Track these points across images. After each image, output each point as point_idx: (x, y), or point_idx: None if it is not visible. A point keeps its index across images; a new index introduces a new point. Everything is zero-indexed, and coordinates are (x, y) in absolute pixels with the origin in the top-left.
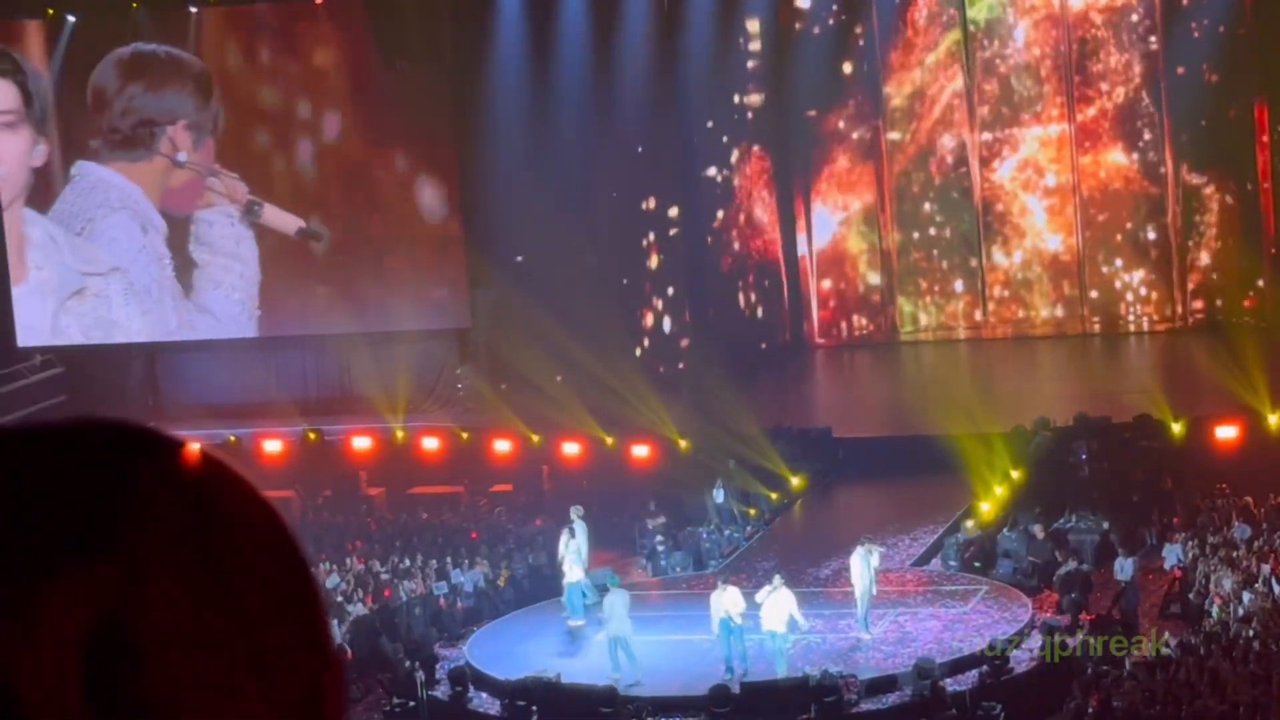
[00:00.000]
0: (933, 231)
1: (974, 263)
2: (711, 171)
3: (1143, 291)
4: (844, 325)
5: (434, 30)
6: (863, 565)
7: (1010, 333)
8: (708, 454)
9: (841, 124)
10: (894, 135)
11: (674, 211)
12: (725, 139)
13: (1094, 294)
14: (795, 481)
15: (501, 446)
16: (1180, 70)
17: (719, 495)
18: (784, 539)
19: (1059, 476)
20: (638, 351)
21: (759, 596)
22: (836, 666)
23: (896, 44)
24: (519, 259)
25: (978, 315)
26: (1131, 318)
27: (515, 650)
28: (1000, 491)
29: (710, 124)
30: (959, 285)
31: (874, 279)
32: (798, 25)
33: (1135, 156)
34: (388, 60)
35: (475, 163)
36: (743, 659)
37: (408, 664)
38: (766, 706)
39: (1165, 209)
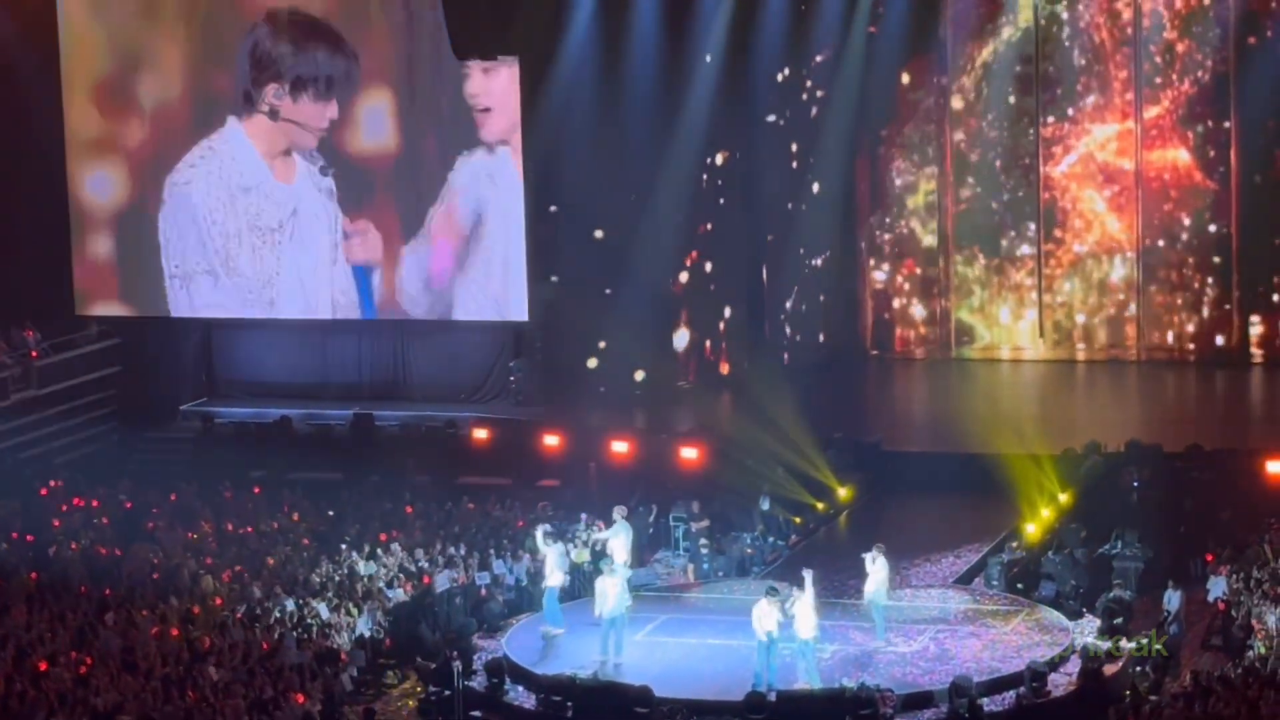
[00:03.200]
0: (995, 237)
1: (1032, 279)
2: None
3: (1200, 319)
4: (899, 338)
5: (506, 23)
6: (872, 569)
7: (1065, 354)
8: (757, 460)
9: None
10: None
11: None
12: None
13: (1150, 319)
14: (843, 492)
15: (550, 441)
16: (1251, 40)
17: (765, 502)
18: (827, 549)
19: (1107, 502)
20: (684, 353)
21: (790, 607)
22: (874, 680)
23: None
24: (594, 238)
25: (1034, 335)
26: (1187, 345)
27: (554, 645)
28: (1047, 513)
29: (775, 119)
30: (1017, 302)
31: (928, 298)
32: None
33: (1199, 153)
34: (460, 54)
35: (543, 155)
36: (771, 674)
37: (445, 653)
38: (802, 716)
39: (1228, 221)
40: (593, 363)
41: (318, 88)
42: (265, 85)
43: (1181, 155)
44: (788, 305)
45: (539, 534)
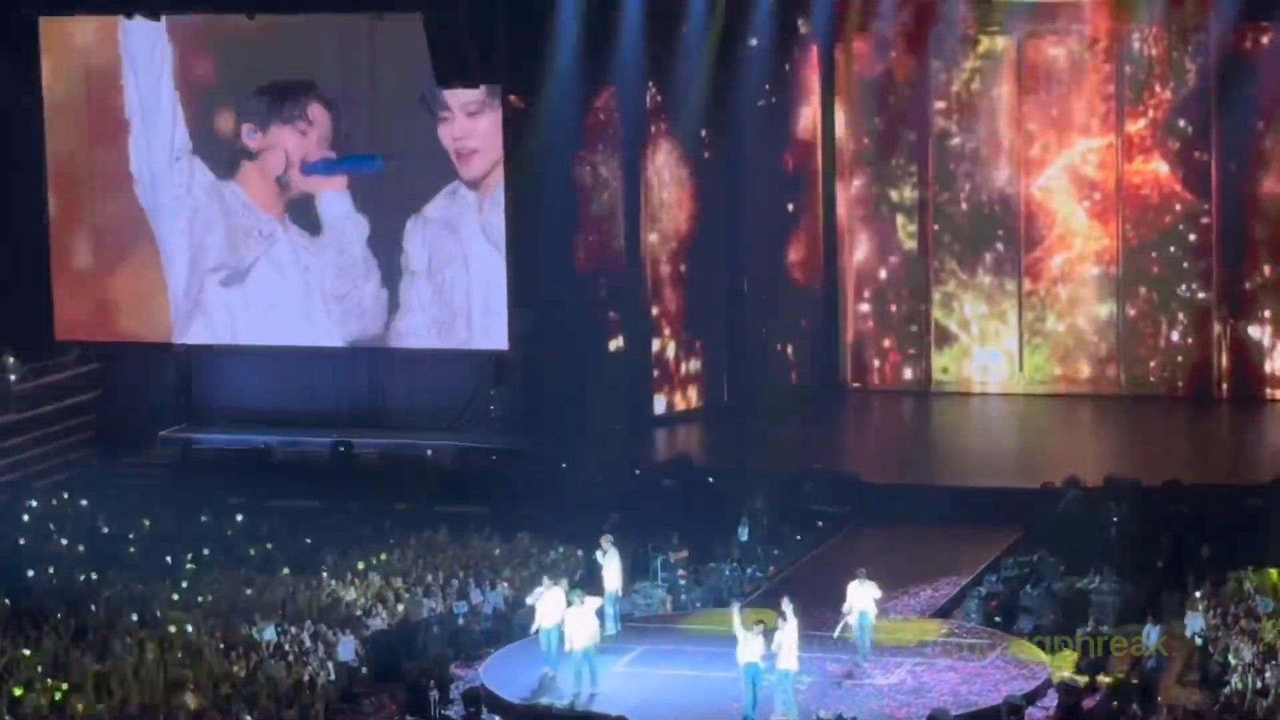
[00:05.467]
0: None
1: (1013, 312)
2: (765, 197)
3: (1180, 355)
4: (877, 371)
5: (489, 51)
6: (854, 592)
7: (1044, 389)
8: (736, 491)
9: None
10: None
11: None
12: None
13: (1129, 354)
14: (821, 524)
15: (530, 469)
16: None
17: (744, 533)
18: (807, 581)
19: (1085, 536)
20: (664, 387)
21: (774, 641)
22: (851, 712)
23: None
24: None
25: (1013, 369)
26: (1166, 380)
27: (531, 675)
28: (1025, 547)
29: (759, 148)
30: (994, 333)
31: (908, 331)
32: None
33: (1183, 180)
34: (442, 82)
35: (526, 183)
36: (752, 706)
37: (423, 682)
38: None
39: (1210, 258)
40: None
41: (286, 115)
42: (241, 127)
43: (1163, 169)
44: (766, 334)
45: (540, 590)
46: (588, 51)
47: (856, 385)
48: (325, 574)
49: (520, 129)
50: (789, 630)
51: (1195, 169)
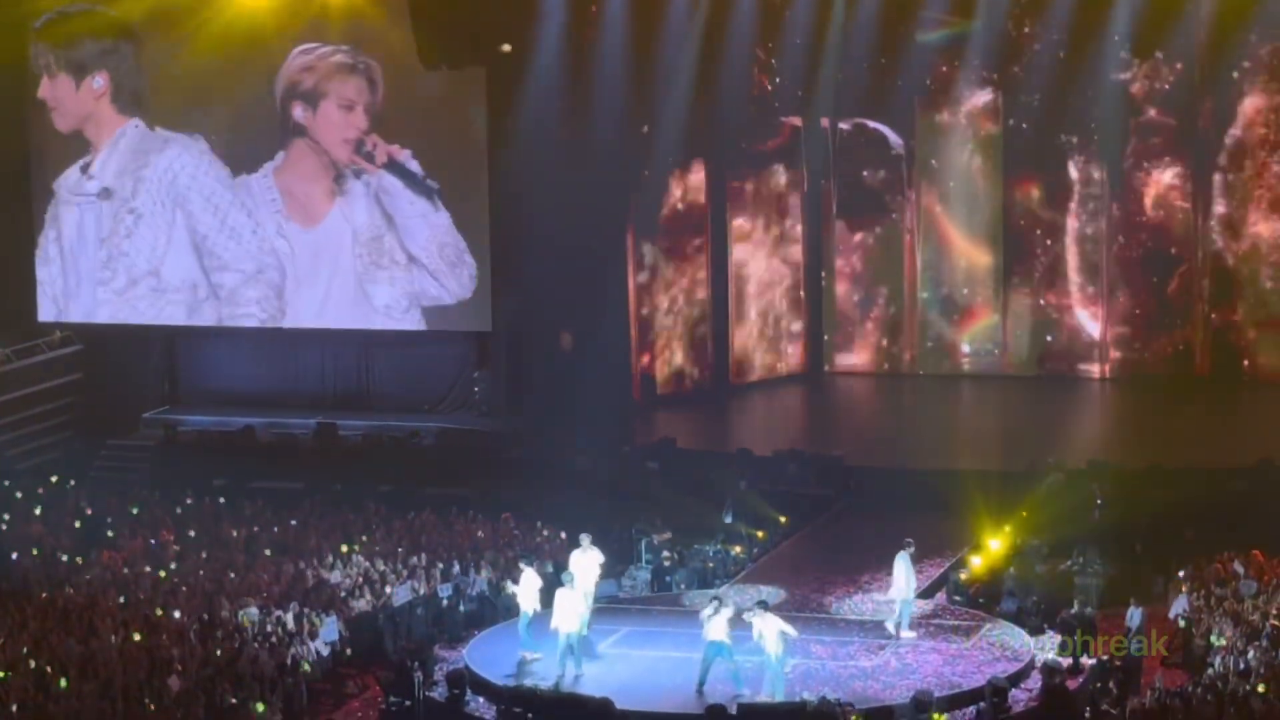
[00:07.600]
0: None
1: (997, 297)
2: (748, 187)
3: (1165, 338)
4: (863, 354)
5: (475, 35)
6: (905, 568)
7: (1028, 371)
8: (719, 473)
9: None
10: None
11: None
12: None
13: (1114, 336)
14: (805, 507)
15: (512, 452)
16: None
17: (728, 515)
18: (790, 563)
19: (1069, 518)
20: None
21: (749, 617)
22: (835, 694)
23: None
24: (559, 247)
25: (996, 351)
26: (1150, 363)
27: (515, 656)
28: (1009, 529)
29: (744, 143)
30: (981, 321)
31: (891, 313)
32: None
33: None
34: (427, 64)
35: (509, 168)
36: (701, 683)
37: (407, 663)
38: None
39: (1193, 243)
40: None
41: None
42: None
43: (1151, 176)
44: (750, 318)
45: (521, 572)
46: (572, 32)
47: (838, 370)
48: (310, 556)
49: (503, 111)
50: (768, 621)
51: (1182, 173)
